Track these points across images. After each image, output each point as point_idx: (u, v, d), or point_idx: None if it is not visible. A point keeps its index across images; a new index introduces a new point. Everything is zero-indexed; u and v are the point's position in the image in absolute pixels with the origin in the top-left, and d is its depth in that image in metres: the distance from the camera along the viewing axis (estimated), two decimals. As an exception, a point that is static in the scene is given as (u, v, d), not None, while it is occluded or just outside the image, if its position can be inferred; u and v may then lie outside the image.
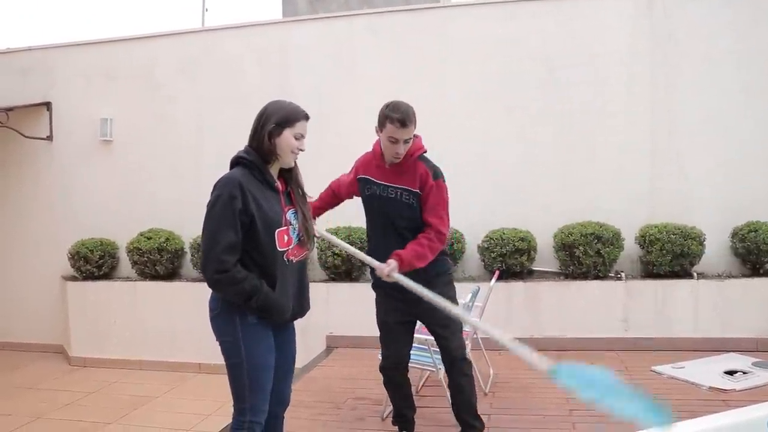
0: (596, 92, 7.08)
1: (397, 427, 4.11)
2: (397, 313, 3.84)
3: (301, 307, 3.13)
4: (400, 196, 3.68)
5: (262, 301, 2.86)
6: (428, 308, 3.28)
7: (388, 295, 3.82)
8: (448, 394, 4.00)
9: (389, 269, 3.36)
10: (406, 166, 3.68)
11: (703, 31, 6.90)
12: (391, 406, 4.21)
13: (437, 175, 3.68)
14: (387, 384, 4.04)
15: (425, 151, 3.77)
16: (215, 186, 2.90)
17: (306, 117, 3.04)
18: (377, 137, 3.77)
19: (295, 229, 3.01)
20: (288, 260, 2.98)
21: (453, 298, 3.81)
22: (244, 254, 2.88)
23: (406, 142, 3.59)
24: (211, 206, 2.86)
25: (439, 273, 3.78)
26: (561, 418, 4.54)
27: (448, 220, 3.72)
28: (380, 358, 3.99)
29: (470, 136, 7.22)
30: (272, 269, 2.91)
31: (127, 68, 8.58)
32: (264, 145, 2.95)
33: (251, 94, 7.76)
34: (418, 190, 3.65)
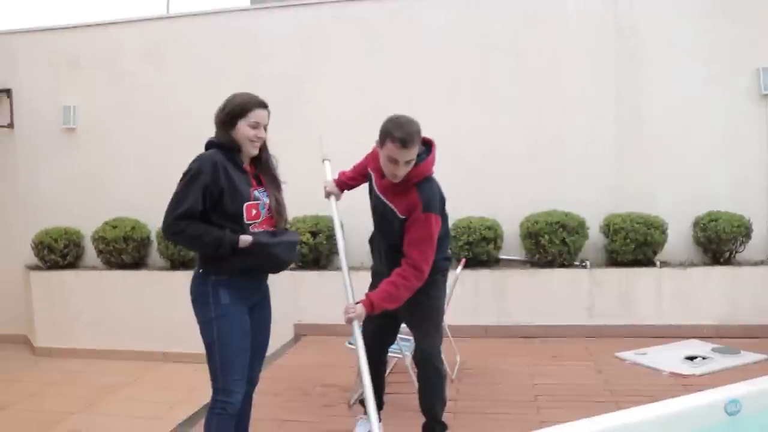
0: (563, 83, 7.14)
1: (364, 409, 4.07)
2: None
3: (290, 257, 3.35)
4: (389, 213, 3.51)
5: (231, 242, 3.02)
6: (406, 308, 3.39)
7: None
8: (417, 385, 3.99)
9: (354, 316, 3.28)
10: (402, 187, 3.44)
11: (666, 22, 6.99)
12: (359, 392, 4.21)
13: (428, 207, 3.39)
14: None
15: (428, 176, 3.50)
16: (194, 159, 3.09)
17: (261, 105, 3.16)
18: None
19: (264, 205, 3.17)
20: (257, 230, 3.14)
21: (435, 297, 3.72)
22: (214, 225, 3.04)
23: (406, 163, 3.32)
24: (183, 175, 3.06)
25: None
26: (526, 402, 4.62)
27: (432, 255, 3.41)
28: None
29: (439, 125, 7.19)
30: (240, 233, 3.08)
31: (91, 55, 8.43)
32: (225, 137, 3.14)
33: (218, 81, 7.71)
34: (403, 216, 3.43)
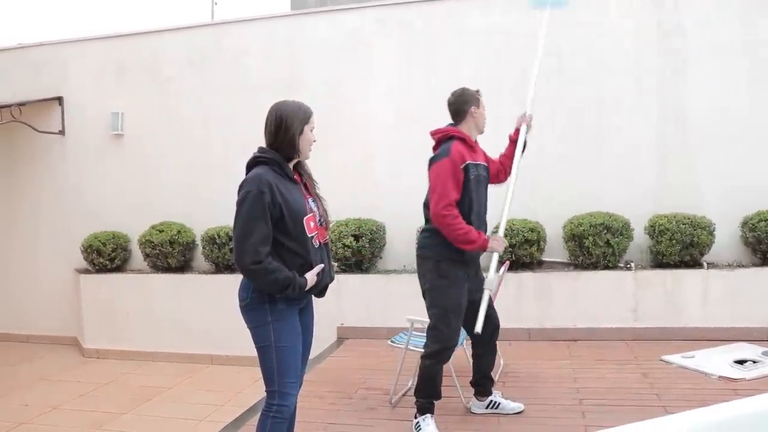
0: (605, 84, 7.05)
1: (422, 412, 4.12)
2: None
3: (331, 278, 3.35)
4: (486, 173, 4.22)
5: (298, 290, 3.04)
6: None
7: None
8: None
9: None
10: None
11: (711, 22, 6.86)
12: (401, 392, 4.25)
13: (435, 157, 4.01)
14: (439, 367, 4.10)
15: (444, 137, 4.14)
16: (242, 184, 3.04)
17: (312, 111, 3.25)
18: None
19: (317, 214, 3.20)
20: (317, 243, 3.18)
21: (422, 275, 4.13)
22: (281, 247, 3.06)
23: None
24: (242, 201, 3.00)
25: (421, 246, 4.17)
26: (571, 407, 4.56)
27: (438, 198, 3.86)
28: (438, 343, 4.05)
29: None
30: (308, 255, 3.12)
31: (136, 62, 8.62)
32: (292, 145, 3.13)
33: (259, 87, 7.83)
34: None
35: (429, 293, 4.08)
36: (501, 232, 4.07)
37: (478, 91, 4.24)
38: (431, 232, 4.02)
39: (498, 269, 3.88)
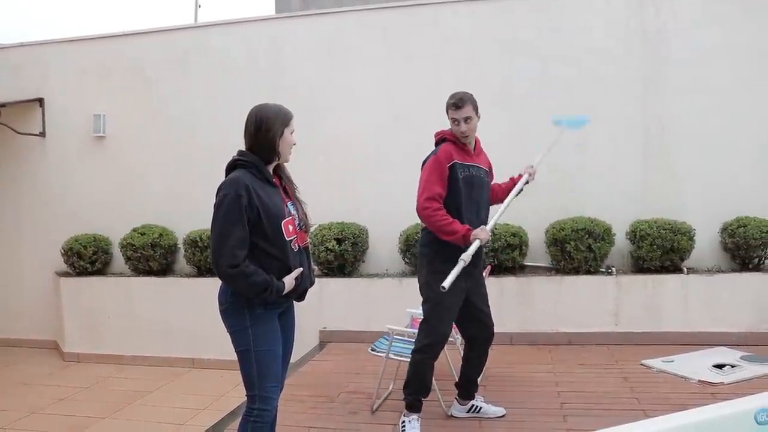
0: (587, 89, 7.10)
1: (410, 409, 4.18)
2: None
3: (311, 282, 3.35)
4: (483, 174, 4.23)
5: (275, 294, 3.03)
6: None
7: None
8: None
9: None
10: (477, 150, 4.27)
11: (693, 28, 6.93)
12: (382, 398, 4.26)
13: (427, 157, 4.12)
14: (429, 362, 4.13)
15: (440, 138, 4.20)
16: (220, 187, 3.04)
17: (292, 114, 3.24)
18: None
19: (296, 218, 3.20)
20: (296, 247, 3.17)
21: (419, 271, 4.23)
22: (259, 250, 3.05)
23: (465, 120, 4.04)
24: (219, 205, 3.00)
25: (419, 244, 4.25)
26: (552, 411, 4.59)
27: (422, 191, 3.99)
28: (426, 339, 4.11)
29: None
30: (286, 259, 3.10)
31: (119, 64, 8.57)
32: (272, 147, 3.13)
33: (243, 89, 7.82)
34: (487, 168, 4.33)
35: (423, 288, 4.13)
36: (489, 227, 4.07)
37: (449, 103, 4.09)
38: (428, 229, 4.06)
39: (477, 251, 3.92)
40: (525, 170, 4.40)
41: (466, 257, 3.78)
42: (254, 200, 2.98)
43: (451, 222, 3.90)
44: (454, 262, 3.81)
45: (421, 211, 3.96)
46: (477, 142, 4.23)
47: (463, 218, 3.96)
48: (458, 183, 4.00)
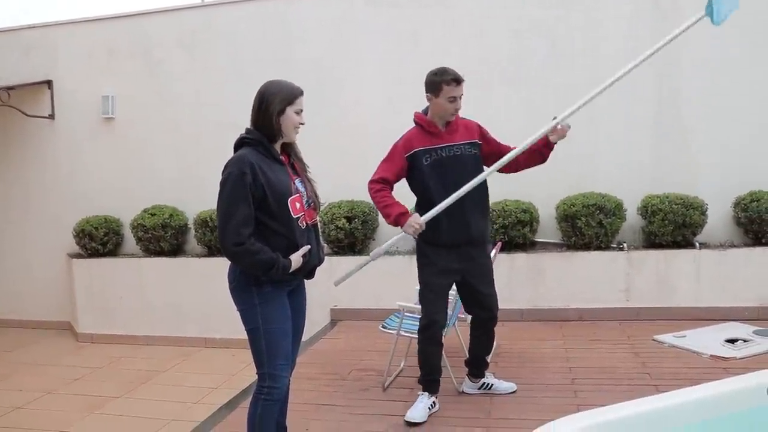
0: (599, 63, 7.01)
1: (426, 388, 4.19)
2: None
3: (320, 260, 3.33)
4: (465, 151, 4.08)
5: (282, 272, 3.02)
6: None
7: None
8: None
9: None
10: (453, 126, 4.10)
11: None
12: (393, 373, 4.27)
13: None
14: (430, 344, 4.12)
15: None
16: (226, 166, 3.03)
17: (302, 92, 3.19)
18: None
19: (304, 196, 3.18)
20: (304, 225, 3.16)
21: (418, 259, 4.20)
22: (265, 228, 3.04)
23: (461, 97, 3.98)
24: (224, 184, 3.00)
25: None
26: (563, 386, 4.59)
27: (373, 174, 4.05)
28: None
29: (472, 109, 7.17)
30: (294, 236, 3.09)
31: (127, 45, 8.54)
32: (270, 125, 3.08)
33: (251, 68, 7.79)
34: (476, 140, 4.18)
35: (418, 270, 4.21)
36: (428, 215, 3.92)
37: (448, 79, 3.89)
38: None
39: (396, 245, 4.14)
40: (555, 127, 4.26)
41: (373, 255, 3.92)
42: (259, 178, 2.97)
43: (387, 205, 3.93)
44: (437, 247, 3.93)
45: (368, 191, 4.04)
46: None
47: (436, 204, 3.90)
48: (423, 171, 3.96)
